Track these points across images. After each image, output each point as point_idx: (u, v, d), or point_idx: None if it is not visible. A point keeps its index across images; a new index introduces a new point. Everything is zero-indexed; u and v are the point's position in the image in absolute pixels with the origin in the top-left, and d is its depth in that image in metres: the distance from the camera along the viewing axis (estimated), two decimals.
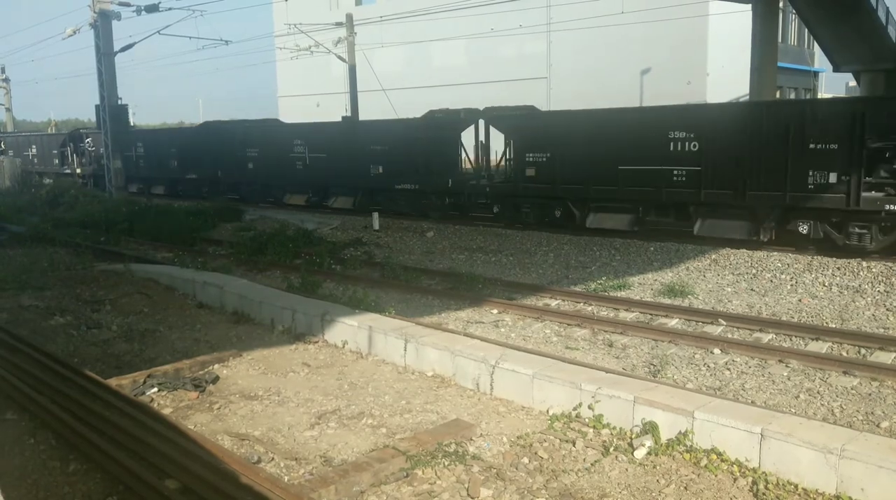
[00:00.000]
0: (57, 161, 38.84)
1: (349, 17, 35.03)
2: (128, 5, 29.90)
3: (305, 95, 48.14)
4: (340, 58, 35.25)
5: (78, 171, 36.73)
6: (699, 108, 18.85)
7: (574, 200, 18.18)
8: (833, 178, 13.99)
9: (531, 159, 18.91)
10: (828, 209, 14.19)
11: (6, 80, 57.36)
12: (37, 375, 8.12)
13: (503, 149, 20.12)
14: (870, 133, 13.56)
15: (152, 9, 29.12)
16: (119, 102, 31.32)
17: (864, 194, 13.69)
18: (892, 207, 13.52)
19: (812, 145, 14.13)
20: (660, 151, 16.12)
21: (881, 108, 14.23)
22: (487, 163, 21.61)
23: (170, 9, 29.15)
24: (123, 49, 31.19)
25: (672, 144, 16.03)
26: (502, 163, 20.36)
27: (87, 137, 36.95)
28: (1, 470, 6.24)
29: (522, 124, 19.68)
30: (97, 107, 31.58)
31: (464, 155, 21.98)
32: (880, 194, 13.69)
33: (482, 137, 21.40)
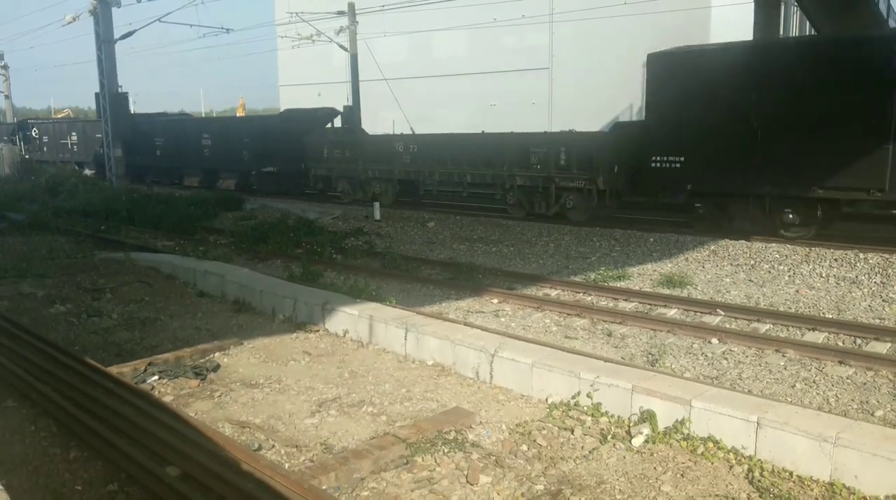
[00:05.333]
0: None
1: (351, 6, 34.90)
2: None
3: (307, 85, 47.97)
4: (342, 47, 35.16)
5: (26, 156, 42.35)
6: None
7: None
8: None
9: (332, 147, 25.53)
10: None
11: (5, 67, 57.20)
12: (37, 363, 8.16)
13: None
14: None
15: None
16: (119, 90, 31.30)
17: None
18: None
19: None
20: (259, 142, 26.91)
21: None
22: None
23: None
24: (123, 37, 31.12)
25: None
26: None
27: (32, 127, 43.34)
28: (2, 457, 6.29)
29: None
30: (97, 95, 31.54)
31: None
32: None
33: None
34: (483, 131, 23.01)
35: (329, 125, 28.86)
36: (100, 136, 35.03)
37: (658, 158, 16.48)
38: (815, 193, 14.38)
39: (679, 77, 16.15)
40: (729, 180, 15.46)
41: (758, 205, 15.37)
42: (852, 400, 7.68)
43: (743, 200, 15.52)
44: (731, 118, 15.18)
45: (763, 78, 14.77)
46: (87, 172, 36.81)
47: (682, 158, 16.07)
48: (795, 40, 14.96)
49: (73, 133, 39.47)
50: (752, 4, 23.37)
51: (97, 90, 31.40)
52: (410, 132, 26.17)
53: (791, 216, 15.04)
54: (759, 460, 5.96)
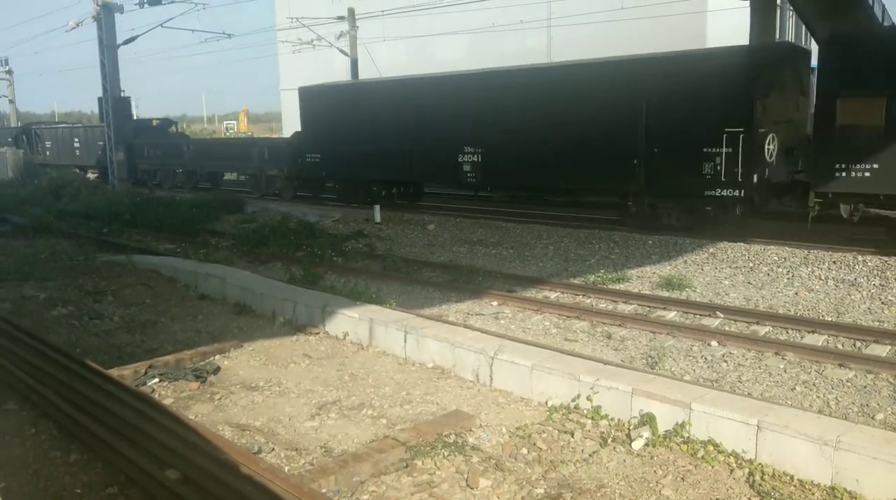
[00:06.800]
0: None
1: (351, 11, 34.97)
2: None
3: None
4: (342, 51, 35.23)
5: None
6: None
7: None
8: None
9: (150, 148, 33.70)
10: None
11: (9, 72, 57.35)
12: (38, 365, 8.16)
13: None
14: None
15: (155, 2, 29.17)
16: (122, 94, 31.37)
17: None
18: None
19: None
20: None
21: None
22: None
23: (172, 1, 29.24)
24: (126, 42, 31.29)
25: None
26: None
27: None
28: (2, 460, 6.29)
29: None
30: (100, 99, 31.62)
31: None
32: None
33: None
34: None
35: (171, 130, 38.55)
36: (11, 139, 44.89)
37: (309, 156, 25.24)
38: (387, 177, 23.44)
39: (316, 103, 25.15)
40: (346, 171, 24.23)
41: (363, 185, 24.07)
42: (853, 403, 7.67)
43: (355, 182, 24.26)
44: (345, 130, 23.62)
45: (361, 106, 23.48)
46: None
47: (319, 156, 24.91)
48: (373, 82, 25.58)
49: None
50: (748, 10, 23.42)
51: (100, 95, 31.48)
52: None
53: (377, 191, 23.67)
54: (759, 463, 5.95)
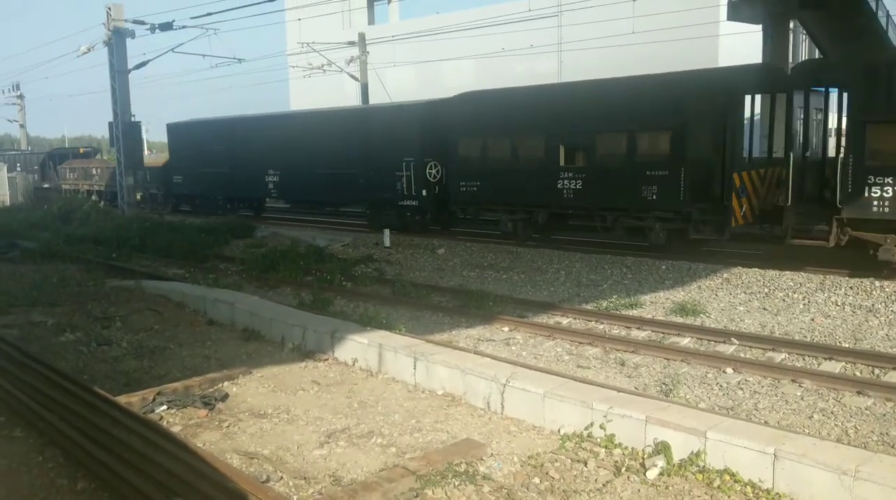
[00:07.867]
0: None
1: (362, 36, 35.27)
2: (142, 23, 30.24)
3: None
4: (353, 76, 35.48)
5: None
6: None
7: None
8: None
9: (71, 170, 43.58)
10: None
11: (21, 97, 58.01)
12: (46, 392, 8.11)
13: None
14: None
15: (166, 27, 29.43)
16: (132, 119, 31.58)
17: None
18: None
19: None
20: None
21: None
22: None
23: (184, 27, 29.46)
24: (137, 67, 31.53)
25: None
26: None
27: None
28: (9, 488, 6.23)
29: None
30: (110, 124, 31.82)
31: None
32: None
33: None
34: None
35: (97, 157, 47.03)
36: None
37: (175, 177, 32.87)
38: (223, 194, 30.41)
39: (177, 135, 32.89)
40: (199, 189, 31.66)
41: (213, 201, 30.81)
42: (872, 432, 7.53)
43: (211, 199, 30.90)
44: (195, 157, 31.00)
45: (203, 138, 30.70)
46: None
47: (182, 177, 32.55)
48: (209, 120, 31.88)
49: None
50: (761, 34, 23.46)
51: (111, 119, 31.70)
52: None
53: (223, 204, 30.44)
54: (776, 493, 5.83)
